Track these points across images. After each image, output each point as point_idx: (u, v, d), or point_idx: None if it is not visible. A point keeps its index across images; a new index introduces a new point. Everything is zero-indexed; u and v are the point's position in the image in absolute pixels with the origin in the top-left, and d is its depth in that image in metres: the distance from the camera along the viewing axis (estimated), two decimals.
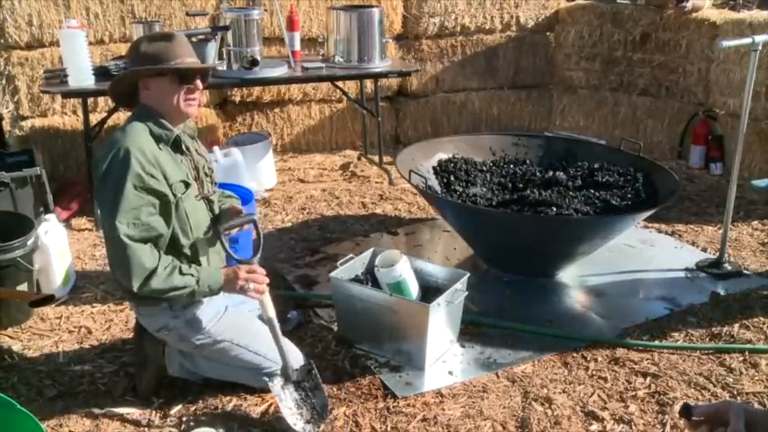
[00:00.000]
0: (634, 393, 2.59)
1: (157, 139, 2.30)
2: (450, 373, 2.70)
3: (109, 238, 2.22)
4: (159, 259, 2.21)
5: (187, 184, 2.33)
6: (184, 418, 2.42)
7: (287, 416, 2.33)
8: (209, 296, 2.37)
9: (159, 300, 2.31)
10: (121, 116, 4.67)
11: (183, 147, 2.38)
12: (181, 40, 2.36)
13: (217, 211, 2.52)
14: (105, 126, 4.19)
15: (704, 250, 3.80)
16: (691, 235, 4.00)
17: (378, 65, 4.65)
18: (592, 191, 3.53)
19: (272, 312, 2.37)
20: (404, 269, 2.73)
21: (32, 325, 3.02)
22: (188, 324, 2.39)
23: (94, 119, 4.25)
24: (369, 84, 5.24)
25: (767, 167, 4.72)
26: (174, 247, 2.32)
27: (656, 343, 2.90)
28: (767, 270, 3.55)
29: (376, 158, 5.09)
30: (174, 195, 2.28)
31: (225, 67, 4.32)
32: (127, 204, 2.17)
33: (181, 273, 2.24)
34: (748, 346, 2.86)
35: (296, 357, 2.50)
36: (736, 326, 3.02)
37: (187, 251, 2.34)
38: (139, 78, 2.32)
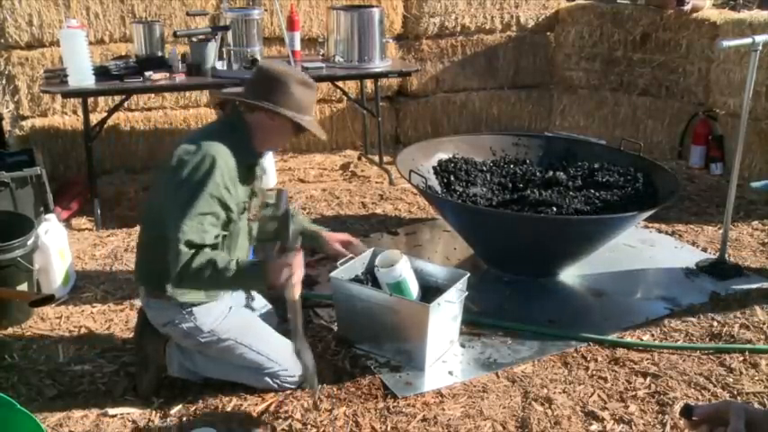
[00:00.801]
0: (634, 393, 2.58)
1: (239, 159, 2.34)
2: (451, 373, 2.70)
3: (171, 237, 2.22)
4: (194, 256, 2.20)
5: (245, 208, 2.42)
6: (184, 418, 2.42)
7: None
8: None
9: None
10: (122, 116, 4.68)
11: (255, 172, 2.47)
12: (316, 90, 2.50)
13: (255, 232, 2.57)
14: (105, 126, 4.19)
15: (704, 250, 3.80)
16: (691, 235, 4.00)
17: (378, 65, 4.65)
18: (592, 191, 3.53)
19: (299, 321, 2.35)
20: (404, 269, 2.73)
21: (32, 325, 3.02)
22: (194, 321, 2.41)
23: (94, 119, 4.25)
24: (369, 84, 5.24)
25: (767, 167, 4.72)
26: None
27: (656, 343, 2.90)
28: (767, 270, 3.55)
29: (376, 158, 5.10)
30: (234, 213, 2.35)
31: (225, 67, 4.31)
32: (196, 210, 2.21)
33: (216, 269, 2.20)
34: (748, 346, 2.86)
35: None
36: (736, 326, 3.02)
37: None
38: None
